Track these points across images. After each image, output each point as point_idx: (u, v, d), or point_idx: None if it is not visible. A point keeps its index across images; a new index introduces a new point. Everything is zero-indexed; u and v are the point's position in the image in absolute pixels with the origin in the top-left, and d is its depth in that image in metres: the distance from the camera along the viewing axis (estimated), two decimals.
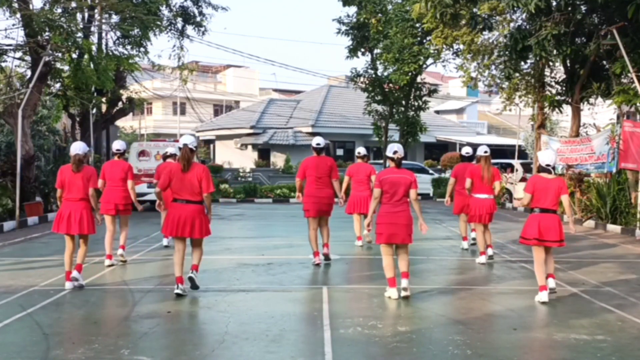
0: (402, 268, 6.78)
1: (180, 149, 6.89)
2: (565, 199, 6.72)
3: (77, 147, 7.21)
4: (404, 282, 6.71)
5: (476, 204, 8.90)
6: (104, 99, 20.19)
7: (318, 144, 8.92)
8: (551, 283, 6.87)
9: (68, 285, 7.09)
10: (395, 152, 6.77)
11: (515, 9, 13.89)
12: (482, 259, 9.00)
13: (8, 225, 12.86)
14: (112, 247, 8.64)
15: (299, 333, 5.47)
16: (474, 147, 10.34)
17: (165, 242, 10.35)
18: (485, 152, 9.07)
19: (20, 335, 5.32)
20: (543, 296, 6.66)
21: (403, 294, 6.66)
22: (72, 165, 7.11)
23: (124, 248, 8.96)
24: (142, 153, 17.17)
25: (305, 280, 7.90)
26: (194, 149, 6.86)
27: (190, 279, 6.79)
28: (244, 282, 7.59)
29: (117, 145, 9.04)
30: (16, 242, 11.11)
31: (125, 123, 39.61)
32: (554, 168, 6.83)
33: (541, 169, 6.85)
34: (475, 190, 8.92)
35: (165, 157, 11.24)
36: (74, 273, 7.14)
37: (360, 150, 11.06)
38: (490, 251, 9.20)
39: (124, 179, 8.71)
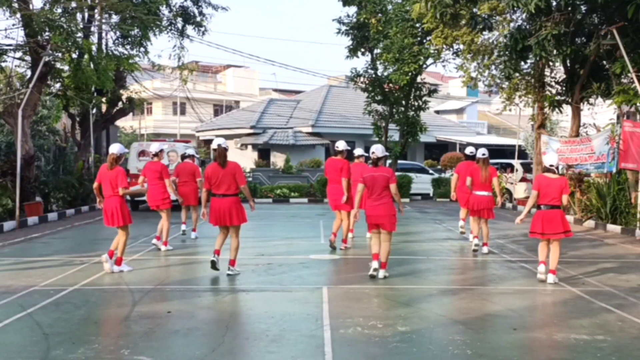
0: (382, 258, 7.77)
1: (214, 150, 7.97)
2: (564, 198, 7.57)
3: (113, 148, 8.11)
4: (381, 273, 7.75)
5: (475, 200, 9.84)
6: (104, 99, 20.18)
7: (337, 147, 10.19)
8: (550, 278, 7.56)
9: (114, 268, 8.05)
10: (373, 153, 7.73)
11: (515, 9, 13.88)
12: (476, 241, 9.96)
13: (8, 225, 12.86)
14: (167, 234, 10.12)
15: (299, 333, 5.46)
16: (476, 147, 11.03)
17: (193, 235, 11.52)
18: (484, 154, 9.97)
19: (20, 335, 5.32)
20: (541, 268, 7.65)
21: (380, 275, 7.73)
22: (107, 164, 8.02)
23: (159, 239, 10.14)
24: (142, 153, 17.17)
25: (305, 280, 7.90)
26: (227, 148, 7.92)
27: (228, 275, 7.81)
28: (244, 282, 7.60)
29: (151, 147, 10.61)
30: (16, 242, 11.11)
31: (125, 123, 39.60)
32: (557, 168, 7.72)
33: (545, 170, 7.76)
34: (475, 188, 9.84)
35: (183, 157, 11.90)
36: (115, 268, 8.05)
37: (356, 151, 11.41)
38: (485, 249, 9.85)
39: (159, 178, 9.99)
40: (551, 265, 7.64)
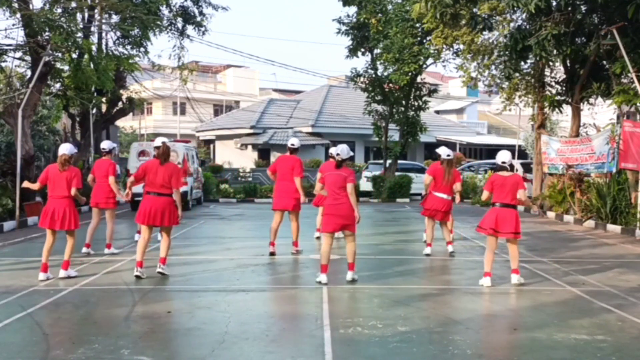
0: (349, 258, 7.54)
1: (157, 147, 7.76)
2: (520, 193, 7.35)
3: (64, 148, 7.77)
4: (350, 275, 7.49)
5: (434, 200, 9.63)
6: (104, 99, 20.18)
7: (293, 145, 9.82)
8: (514, 279, 7.50)
9: (41, 276, 7.49)
10: (338, 155, 7.50)
11: (515, 9, 13.89)
12: (427, 250, 9.61)
13: (8, 225, 12.85)
14: (92, 237, 9.52)
15: (299, 333, 5.46)
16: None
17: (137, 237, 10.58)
18: (448, 155, 9.65)
19: (20, 335, 5.32)
20: (486, 281, 7.40)
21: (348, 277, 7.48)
22: (58, 165, 7.66)
23: (110, 247, 9.56)
24: (142, 153, 17.14)
25: (305, 280, 7.90)
26: (169, 147, 7.75)
27: (161, 274, 7.66)
28: (244, 282, 7.59)
29: (103, 144, 10.12)
30: (16, 242, 11.10)
31: (125, 123, 39.61)
32: (511, 166, 7.52)
33: (499, 168, 7.53)
34: (436, 189, 9.62)
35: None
36: (62, 272, 7.65)
37: (332, 150, 11.33)
38: (450, 248, 9.73)
39: (106, 175, 9.50)
40: (513, 265, 7.54)
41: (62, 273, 7.64)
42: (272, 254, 9.37)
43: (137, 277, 7.54)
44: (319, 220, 11.03)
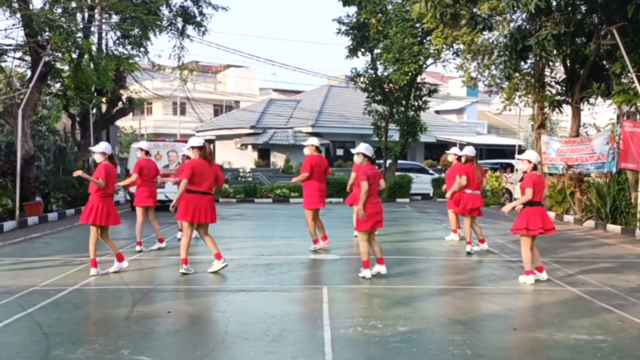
0: (379, 254, 7.89)
1: (201, 147, 7.88)
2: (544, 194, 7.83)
3: (107, 147, 8.09)
4: (382, 269, 7.84)
5: (468, 198, 10.05)
6: (104, 99, 20.17)
7: (316, 144, 10.26)
8: (542, 277, 7.70)
9: (93, 271, 7.88)
10: (373, 155, 7.86)
11: (515, 9, 13.88)
12: (468, 247, 9.94)
13: (8, 225, 12.86)
14: (141, 236, 10.03)
15: (299, 333, 5.46)
16: (475, 147, 11.00)
17: (179, 235, 10.98)
18: (475, 152, 10.28)
19: (20, 335, 5.32)
20: (529, 279, 7.56)
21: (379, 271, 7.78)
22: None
23: (163, 241, 10.22)
24: None
25: (305, 280, 7.90)
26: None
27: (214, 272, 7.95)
28: (244, 282, 7.59)
29: (142, 145, 10.46)
30: (16, 242, 11.11)
31: (125, 123, 39.62)
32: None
33: (534, 167, 7.65)
34: (468, 187, 10.07)
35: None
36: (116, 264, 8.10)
37: (361, 150, 11.40)
38: (468, 247, 9.96)
39: (154, 176, 10.11)
40: (538, 263, 7.77)
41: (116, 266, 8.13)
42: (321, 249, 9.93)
43: (183, 274, 7.88)
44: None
